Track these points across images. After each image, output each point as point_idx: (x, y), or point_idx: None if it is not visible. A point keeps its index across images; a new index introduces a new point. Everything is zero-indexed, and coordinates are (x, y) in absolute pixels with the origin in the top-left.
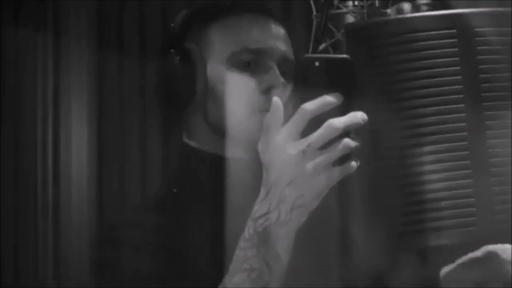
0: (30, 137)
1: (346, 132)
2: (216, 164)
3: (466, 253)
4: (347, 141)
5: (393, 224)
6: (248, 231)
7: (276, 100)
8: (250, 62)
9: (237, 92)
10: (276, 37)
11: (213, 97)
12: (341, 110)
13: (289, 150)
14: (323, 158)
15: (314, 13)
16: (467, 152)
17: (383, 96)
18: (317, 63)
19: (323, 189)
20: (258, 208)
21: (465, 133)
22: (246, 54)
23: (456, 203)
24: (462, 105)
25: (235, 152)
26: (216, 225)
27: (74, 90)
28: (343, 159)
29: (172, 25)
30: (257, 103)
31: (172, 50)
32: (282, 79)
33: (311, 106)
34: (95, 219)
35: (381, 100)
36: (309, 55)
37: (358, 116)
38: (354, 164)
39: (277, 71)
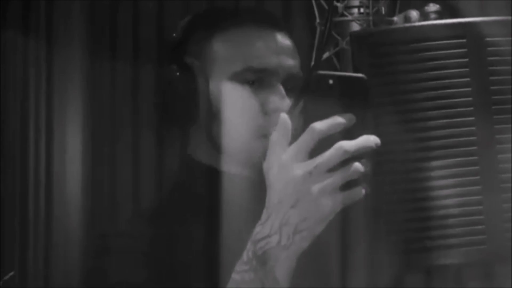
0: (22, 146)
1: (357, 156)
2: (217, 179)
3: (475, 273)
4: (357, 165)
5: (397, 241)
6: (247, 254)
7: (284, 117)
8: (254, 81)
9: (240, 113)
10: (282, 52)
11: (216, 116)
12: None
13: (295, 171)
14: (330, 181)
15: (318, 20)
16: (477, 167)
17: (388, 107)
18: (331, 81)
19: (328, 214)
20: (259, 230)
21: (475, 147)
22: (249, 73)
23: (465, 221)
24: (472, 118)
25: (236, 170)
26: (211, 241)
27: (67, 99)
28: (351, 184)
29: (173, 35)
30: (260, 126)
31: (172, 65)
32: (287, 100)
33: (321, 125)
34: (87, 228)
35: (387, 111)
36: (322, 72)
37: (370, 140)
38: (362, 190)
39: (283, 91)
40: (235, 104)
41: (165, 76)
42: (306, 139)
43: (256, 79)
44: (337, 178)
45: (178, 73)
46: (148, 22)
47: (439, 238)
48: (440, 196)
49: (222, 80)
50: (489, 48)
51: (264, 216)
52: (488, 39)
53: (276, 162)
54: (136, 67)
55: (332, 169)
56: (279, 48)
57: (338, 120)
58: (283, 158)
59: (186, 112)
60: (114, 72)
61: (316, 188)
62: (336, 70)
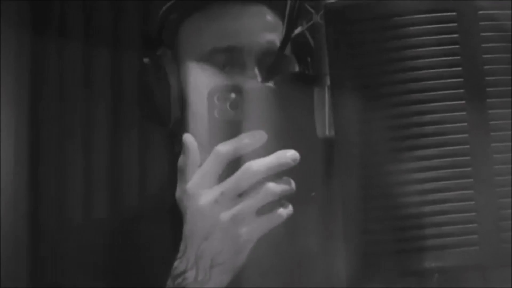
0: None
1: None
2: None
3: (466, 276)
4: (270, 187)
5: (375, 242)
6: None
7: (188, 138)
8: (224, 64)
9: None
10: (256, 27)
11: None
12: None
13: (201, 199)
14: (240, 208)
15: None
16: (468, 158)
17: (367, 91)
18: None
19: (246, 244)
20: (177, 265)
21: (466, 135)
22: (217, 55)
23: (454, 218)
24: (463, 102)
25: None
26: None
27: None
28: (270, 207)
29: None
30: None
31: (144, 58)
32: (259, 82)
33: (225, 148)
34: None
35: (365, 95)
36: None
37: (286, 156)
38: (283, 212)
39: (255, 72)
40: (199, 90)
41: (140, 72)
42: (211, 163)
43: (226, 61)
44: (249, 203)
45: (148, 67)
46: (128, 13)
47: (423, 239)
48: (425, 190)
49: (190, 66)
50: (482, 23)
51: (181, 249)
52: (481, 12)
53: (183, 190)
54: (115, 59)
55: (243, 194)
56: (253, 23)
57: (245, 140)
58: (188, 186)
59: (160, 107)
60: (62, 51)
61: (225, 216)
62: (309, 47)
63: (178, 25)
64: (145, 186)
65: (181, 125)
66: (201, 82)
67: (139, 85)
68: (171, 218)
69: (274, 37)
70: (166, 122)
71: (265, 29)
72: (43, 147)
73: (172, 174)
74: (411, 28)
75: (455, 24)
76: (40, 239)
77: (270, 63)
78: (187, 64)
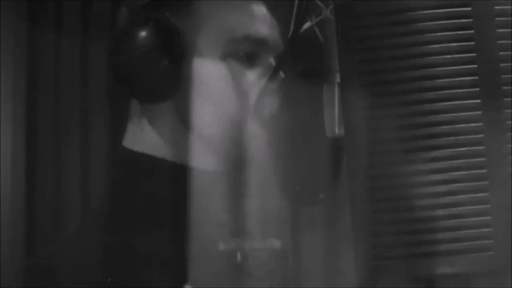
0: None
1: None
2: (177, 175)
3: (481, 282)
4: None
5: (385, 245)
6: None
7: None
8: (249, 55)
9: (227, 93)
10: (266, 22)
11: (195, 93)
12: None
13: None
14: None
15: None
16: (483, 159)
17: (378, 88)
18: None
19: None
20: None
21: (481, 135)
22: (247, 44)
23: (469, 222)
24: (478, 100)
25: (208, 163)
26: (173, 250)
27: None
28: None
29: None
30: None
31: (147, 21)
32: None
33: None
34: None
35: (376, 93)
36: None
37: None
38: None
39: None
40: (214, 78)
41: (135, 36)
42: None
43: (251, 51)
44: None
45: (154, 33)
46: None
47: (435, 243)
48: (438, 193)
49: (213, 50)
50: (498, 19)
51: None
52: (497, 7)
53: None
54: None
55: None
56: (268, 19)
57: None
58: None
59: (163, 83)
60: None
61: None
62: (318, 42)
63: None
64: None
65: (174, 105)
66: (218, 68)
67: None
68: (173, 222)
69: (267, 28)
70: (157, 99)
71: (276, 26)
72: (40, 145)
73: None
74: (424, 23)
75: (470, 20)
76: (37, 240)
77: (278, 59)
78: (207, 43)
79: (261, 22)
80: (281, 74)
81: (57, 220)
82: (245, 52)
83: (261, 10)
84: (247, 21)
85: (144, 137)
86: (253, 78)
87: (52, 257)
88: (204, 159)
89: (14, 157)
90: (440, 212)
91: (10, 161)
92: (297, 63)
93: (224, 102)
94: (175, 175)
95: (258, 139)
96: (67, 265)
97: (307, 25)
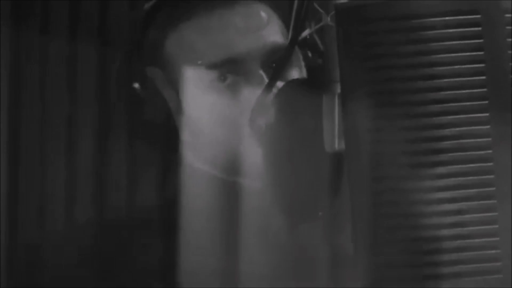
0: None
1: None
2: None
3: None
4: None
5: (387, 265)
6: None
7: None
8: (226, 76)
9: (209, 119)
10: (250, 29)
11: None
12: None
13: None
14: None
15: None
16: (491, 176)
17: (381, 99)
18: None
19: None
20: None
21: (489, 151)
22: (216, 70)
23: (476, 243)
24: (487, 114)
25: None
26: (166, 255)
27: None
28: None
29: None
30: (230, 115)
31: (133, 84)
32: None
33: None
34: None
35: (379, 105)
36: None
37: None
38: None
39: (263, 78)
40: (205, 94)
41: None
42: None
43: (228, 72)
44: None
45: (142, 90)
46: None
47: (440, 265)
48: (444, 211)
49: (188, 85)
50: (508, 27)
51: None
52: (508, 15)
53: None
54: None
55: None
56: (247, 26)
57: None
58: None
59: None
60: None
61: None
62: (317, 51)
63: (163, 40)
64: (133, 192)
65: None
66: (205, 101)
67: (132, 110)
68: (159, 226)
69: (272, 32)
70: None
71: (261, 28)
72: (23, 150)
73: (160, 182)
74: (431, 31)
75: (479, 28)
76: (19, 247)
77: (275, 69)
78: (183, 83)
79: (228, 42)
80: (279, 83)
81: (42, 226)
82: (225, 76)
83: (228, 26)
84: (209, 48)
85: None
86: (248, 87)
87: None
88: (197, 169)
89: None
90: (446, 232)
91: None
92: (296, 72)
93: (215, 113)
94: (166, 183)
95: (253, 152)
96: (54, 270)
97: (306, 32)
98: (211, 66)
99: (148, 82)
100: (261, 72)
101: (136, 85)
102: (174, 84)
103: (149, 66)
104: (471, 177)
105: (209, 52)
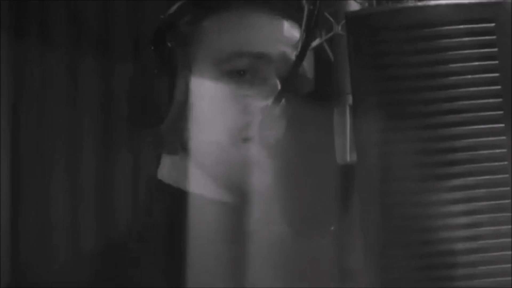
0: None
1: None
2: (177, 203)
3: None
4: None
5: (399, 280)
6: None
7: None
8: (245, 71)
9: (218, 111)
10: (274, 36)
11: (193, 115)
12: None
13: None
14: None
15: None
16: (507, 188)
17: (394, 109)
18: None
19: None
20: None
21: (504, 163)
22: (241, 60)
23: (491, 257)
24: (502, 125)
25: (209, 191)
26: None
27: None
28: None
29: (161, 17)
30: (241, 129)
31: (150, 49)
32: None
33: None
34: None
35: (391, 116)
36: None
37: None
38: None
39: (278, 86)
40: (214, 99)
41: (139, 61)
42: None
43: (249, 67)
44: None
45: (153, 57)
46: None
47: (454, 279)
48: (458, 225)
49: (207, 67)
50: None
51: None
52: None
53: None
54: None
55: None
56: (273, 33)
57: None
58: None
59: (158, 104)
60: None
61: None
62: (328, 61)
63: (201, 20)
64: (135, 205)
65: (172, 128)
66: (218, 87)
67: (135, 75)
68: (162, 239)
69: (289, 50)
70: (156, 122)
71: (282, 41)
72: (24, 165)
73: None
74: (444, 40)
75: (493, 37)
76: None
77: (284, 79)
78: (203, 64)
79: (260, 36)
80: (287, 95)
81: (44, 253)
82: (244, 70)
83: (260, 23)
84: (243, 35)
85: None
86: (256, 99)
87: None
88: (202, 186)
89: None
90: (459, 246)
91: None
92: (305, 83)
93: (222, 125)
94: (172, 201)
95: (261, 166)
96: None
97: (316, 42)
98: (235, 55)
99: (165, 51)
100: (276, 81)
101: (152, 49)
102: (192, 62)
103: (173, 42)
104: (486, 189)
105: (237, 42)
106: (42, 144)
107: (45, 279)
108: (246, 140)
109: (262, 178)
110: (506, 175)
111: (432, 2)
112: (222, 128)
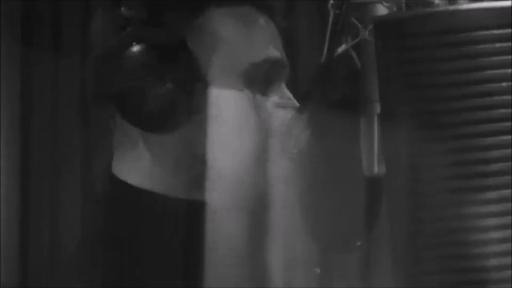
0: None
1: None
2: (184, 214)
3: None
4: None
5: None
6: None
7: None
8: (262, 80)
9: (242, 128)
10: (278, 40)
11: (213, 126)
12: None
13: None
14: None
15: (331, 1)
16: None
17: (423, 119)
18: None
19: None
20: None
21: None
22: (263, 67)
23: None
24: None
25: (218, 201)
26: None
27: None
28: None
29: None
30: (263, 148)
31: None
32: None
33: None
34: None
35: (421, 125)
36: None
37: None
38: None
39: (290, 94)
40: (235, 109)
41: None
42: None
43: (266, 76)
44: None
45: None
46: None
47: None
48: (491, 239)
49: (225, 77)
50: None
51: None
52: None
53: None
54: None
55: None
56: (275, 36)
57: None
58: None
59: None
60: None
61: None
62: (354, 68)
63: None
64: None
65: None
66: (239, 97)
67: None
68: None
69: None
70: (171, 130)
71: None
72: (33, 168)
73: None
74: (476, 46)
75: None
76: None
77: (308, 88)
78: (223, 73)
79: (280, 44)
80: (312, 104)
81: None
82: (265, 78)
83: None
84: (267, 42)
85: (145, 169)
86: (278, 108)
87: None
88: (219, 198)
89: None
90: (493, 261)
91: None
92: (331, 91)
93: (242, 134)
94: (181, 213)
95: (284, 177)
96: None
97: (342, 47)
98: (254, 66)
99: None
100: (287, 92)
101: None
102: (207, 67)
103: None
104: None
105: (252, 46)
106: (53, 149)
107: (52, 279)
108: (267, 151)
109: (285, 191)
110: None
111: (464, 7)
112: (243, 139)
